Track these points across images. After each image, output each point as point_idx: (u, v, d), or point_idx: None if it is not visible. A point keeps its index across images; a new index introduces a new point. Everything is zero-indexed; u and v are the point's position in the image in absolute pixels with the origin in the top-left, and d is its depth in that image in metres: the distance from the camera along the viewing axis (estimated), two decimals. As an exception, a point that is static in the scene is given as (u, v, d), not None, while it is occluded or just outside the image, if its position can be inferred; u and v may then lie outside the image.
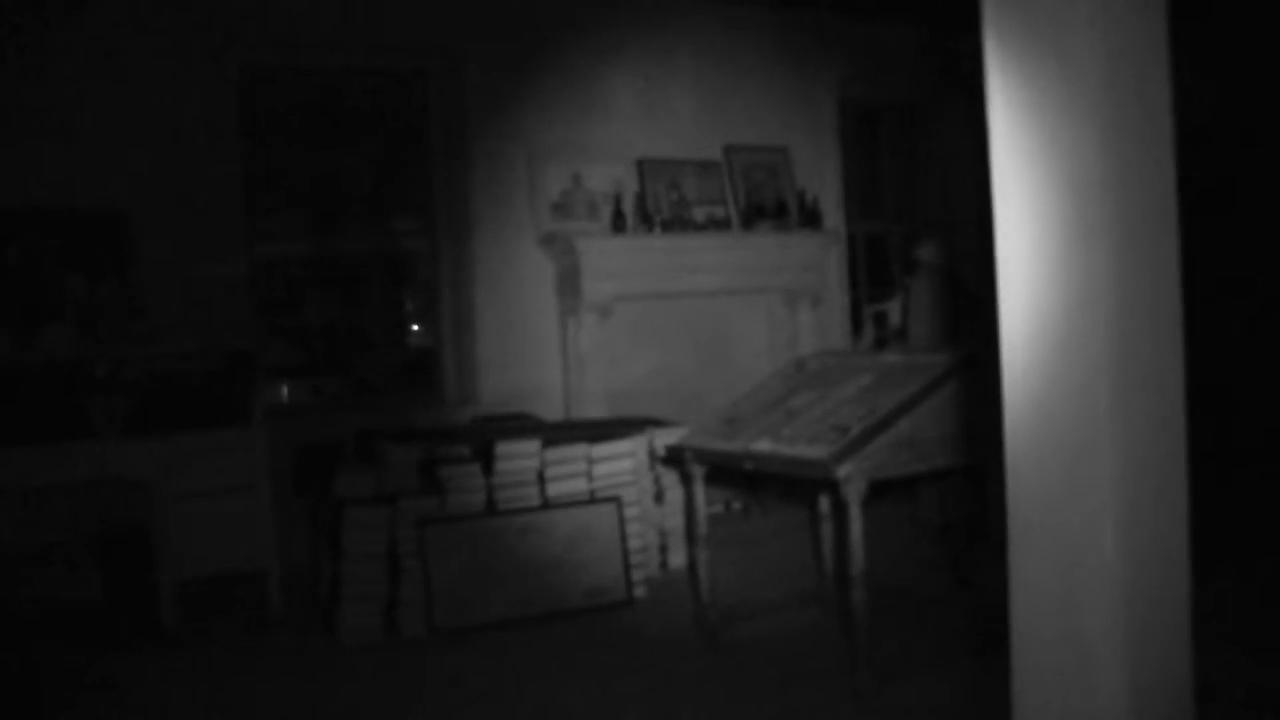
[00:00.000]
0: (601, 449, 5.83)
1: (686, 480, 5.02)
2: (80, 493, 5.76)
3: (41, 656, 5.13)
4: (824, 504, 5.19)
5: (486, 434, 5.95)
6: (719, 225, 7.71)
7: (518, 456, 5.61)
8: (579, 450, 5.76)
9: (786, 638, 4.89)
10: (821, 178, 8.39)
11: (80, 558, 5.83)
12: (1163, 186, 1.99)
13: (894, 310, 7.72)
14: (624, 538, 5.66)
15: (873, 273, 9.07)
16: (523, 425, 6.41)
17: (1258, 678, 4.04)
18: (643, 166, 7.59)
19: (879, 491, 4.08)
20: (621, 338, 7.45)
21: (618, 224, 7.27)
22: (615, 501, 5.71)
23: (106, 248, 6.12)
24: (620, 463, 5.86)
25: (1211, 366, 4.38)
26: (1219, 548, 4.62)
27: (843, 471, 3.94)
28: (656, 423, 6.39)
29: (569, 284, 7.18)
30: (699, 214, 7.64)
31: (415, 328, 7.75)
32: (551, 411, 7.19)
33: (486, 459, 5.58)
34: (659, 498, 6.11)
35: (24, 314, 5.80)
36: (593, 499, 5.71)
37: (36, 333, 5.55)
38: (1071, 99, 1.93)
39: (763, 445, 4.40)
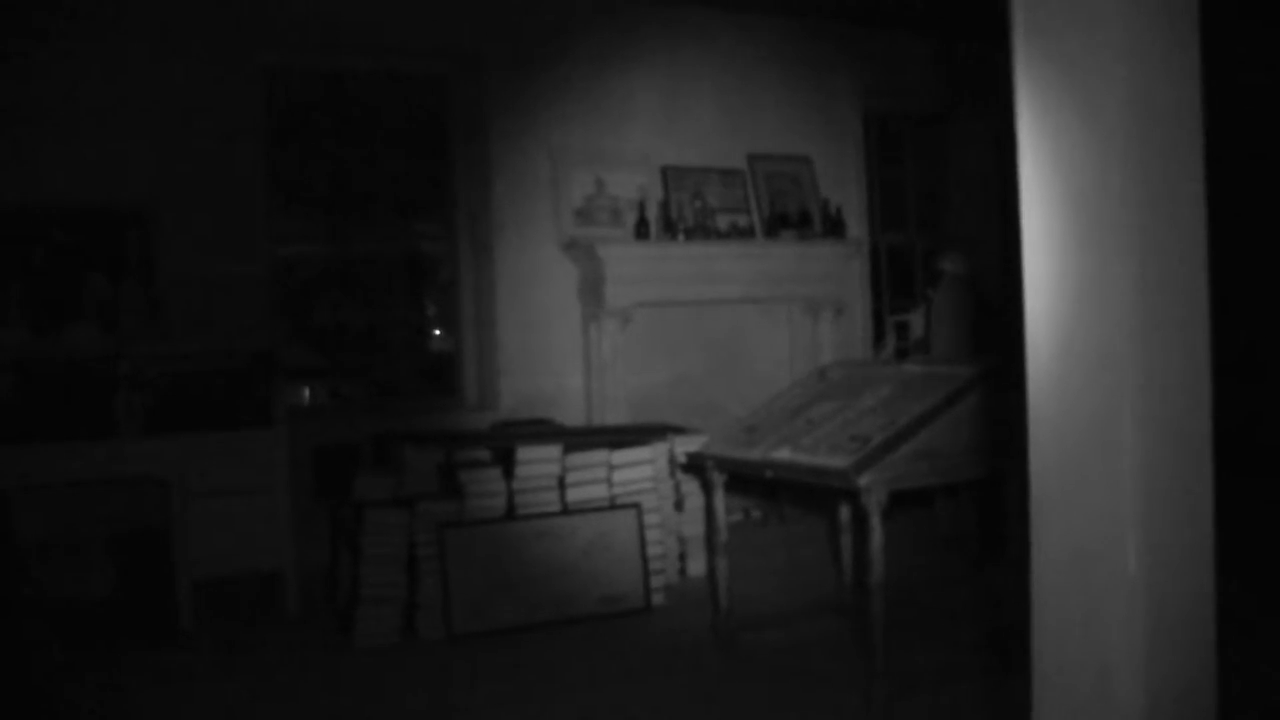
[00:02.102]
0: (622, 455, 5.82)
1: (707, 488, 5.01)
2: (99, 490, 5.79)
3: (56, 653, 5.15)
4: (844, 513, 5.18)
5: (507, 438, 5.96)
6: (742, 234, 7.71)
7: (538, 461, 5.61)
8: (599, 456, 5.75)
9: (803, 647, 4.88)
10: (845, 188, 8.38)
11: (97, 555, 5.86)
12: (1191, 198, 1.98)
13: (916, 321, 7.71)
14: (643, 544, 5.65)
15: (895, 283, 9.06)
16: (543, 430, 6.42)
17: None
18: (666, 174, 7.59)
19: (898, 502, 4.07)
20: (643, 344, 7.45)
21: (641, 231, 7.27)
22: (635, 508, 5.70)
23: (129, 247, 6.17)
24: (640, 469, 5.85)
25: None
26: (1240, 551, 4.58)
27: (863, 481, 3.92)
28: (677, 430, 6.38)
29: (591, 290, 7.18)
30: (722, 222, 7.63)
31: (436, 331, 7.76)
32: (572, 417, 7.19)
33: (507, 463, 5.58)
34: (679, 505, 6.10)
35: (47, 312, 5.84)
36: (613, 505, 5.70)
37: (59, 330, 5.59)
38: (1098, 112, 1.92)
39: (783, 454, 4.39)
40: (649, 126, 7.68)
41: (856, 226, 8.37)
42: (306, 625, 5.50)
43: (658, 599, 5.66)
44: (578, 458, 5.70)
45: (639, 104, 7.67)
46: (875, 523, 3.98)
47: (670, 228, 7.38)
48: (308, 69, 7.03)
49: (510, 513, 5.51)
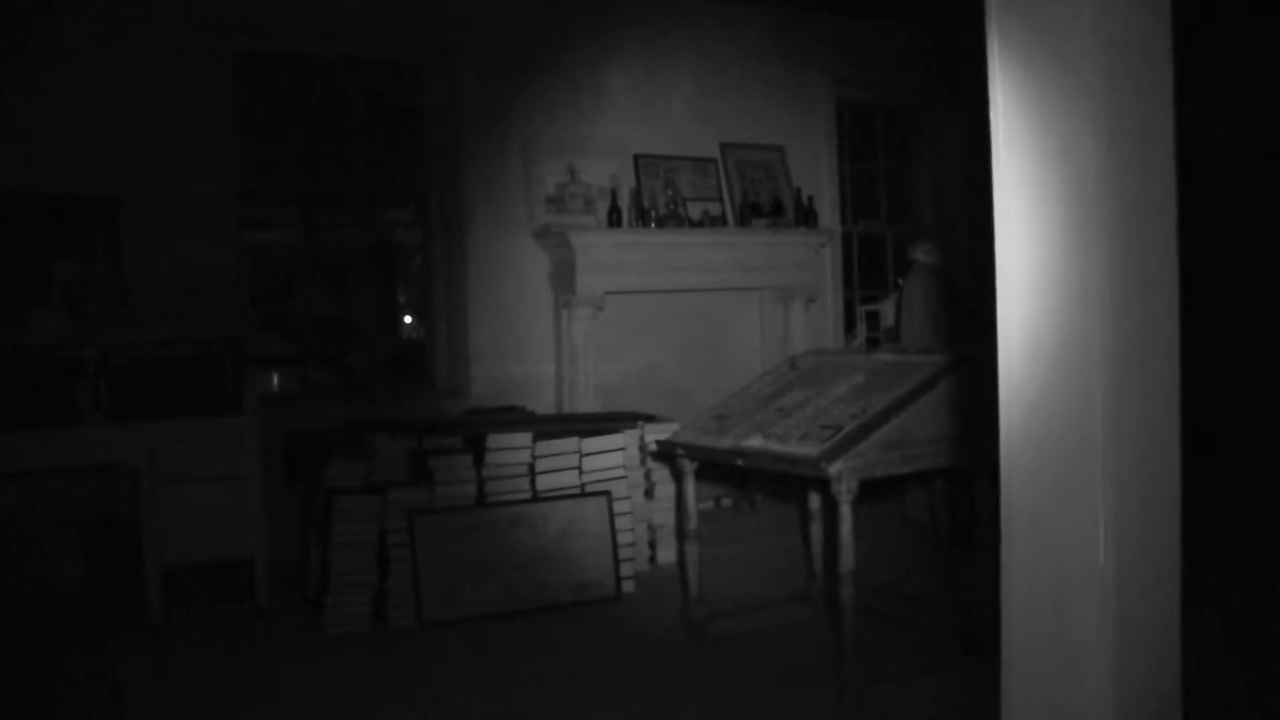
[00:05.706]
0: (593, 443, 5.82)
1: (677, 476, 5.02)
2: (67, 478, 5.73)
3: (23, 644, 5.11)
4: (814, 502, 5.19)
5: (478, 425, 5.95)
6: (714, 222, 7.70)
7: (509, 448, 5.60)
8: (570, 444, 5.75)
9: (774, 634, 4.90)
10: (818, 177, 8.38)
11: (65, 544, 5.80)
12: (1163, 189, 1.99)
13: (887, 310, 7.74)
14: (614, 532, 5.66)
15: (867, 273, 9.08)
16: (514, 418, 6.41)
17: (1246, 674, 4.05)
18: (639, 162, 7.58)
19: (868, 490, 4.08)
20: (615, 332, 7.44)
21: (614, 219, 7.26)
22: (606, 495, 5.71)
23: (97, 232, 6.10)
24: (611, 457, 5.85)
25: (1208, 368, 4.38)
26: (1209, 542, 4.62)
27: (833, 469, 3.94)
28: (648, 418, 6.39)
29: (563, 277, 7.17)
30: (694, 211, 7.63)
31: (407, 319, 7.73)
32: (543, 405, 7.18)
33: (477, 451, 5.57)
34: (649, 493, 6.10)
35: (12, 298, 5.78)
36: (583, 493, 5.70)
37: (25, 317, 5.52)
38: (1073, 101, 1.92)
39: (754, 442, 4.40)
40: (622, 115, 7.67)
41: (828, 216, 8.38)
42: (276, 613, 5.48)
43: (628, 587, 5.67)
44: (548, 445, 5.70)
45: (612, 92, 7.66)
46: (845, 511, 4.00)
47: (643, 216, 7.37)
48: (279, 55, 6.96)
49: (481, 500, 5.51)
